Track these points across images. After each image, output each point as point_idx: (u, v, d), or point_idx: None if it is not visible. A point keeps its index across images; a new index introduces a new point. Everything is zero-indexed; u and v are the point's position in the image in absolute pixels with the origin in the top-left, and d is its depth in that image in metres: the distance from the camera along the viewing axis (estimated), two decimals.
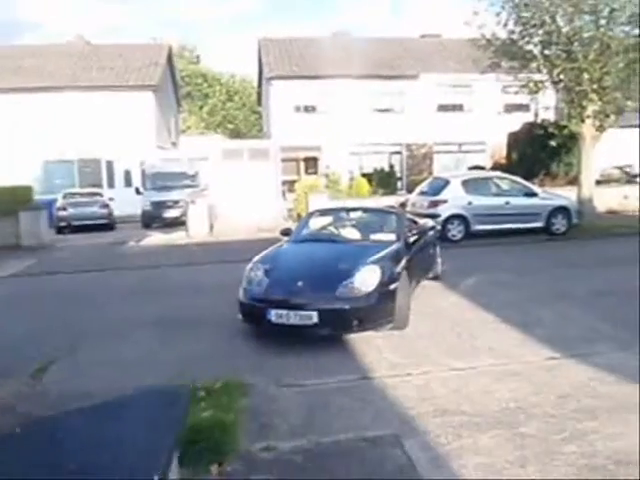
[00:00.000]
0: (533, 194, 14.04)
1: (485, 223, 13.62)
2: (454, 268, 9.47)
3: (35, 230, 15.61)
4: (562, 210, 14.02)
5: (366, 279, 6.07)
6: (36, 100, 25.39)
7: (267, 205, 18.01)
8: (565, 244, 13.12)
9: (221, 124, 50.19)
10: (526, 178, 15.48)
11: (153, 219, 20.17)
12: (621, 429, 3.87)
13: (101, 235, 18.25)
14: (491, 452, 3.63)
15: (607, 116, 14.51)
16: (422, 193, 14.91)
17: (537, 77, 15.09)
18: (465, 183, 14.07)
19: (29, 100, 25.43)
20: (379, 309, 6.04)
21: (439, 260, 9.16)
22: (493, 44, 14.85)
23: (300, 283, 6.11)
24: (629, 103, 14.55)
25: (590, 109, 14.33)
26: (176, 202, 19.49)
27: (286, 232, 8.30)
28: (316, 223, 8.47)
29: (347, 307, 5.91)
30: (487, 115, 27.24)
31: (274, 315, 5.92)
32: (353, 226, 8.06)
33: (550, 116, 20.03)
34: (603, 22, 13.70)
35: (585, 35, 13.94)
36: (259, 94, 37.51)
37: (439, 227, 10.81)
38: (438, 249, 9.23)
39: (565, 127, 15.48)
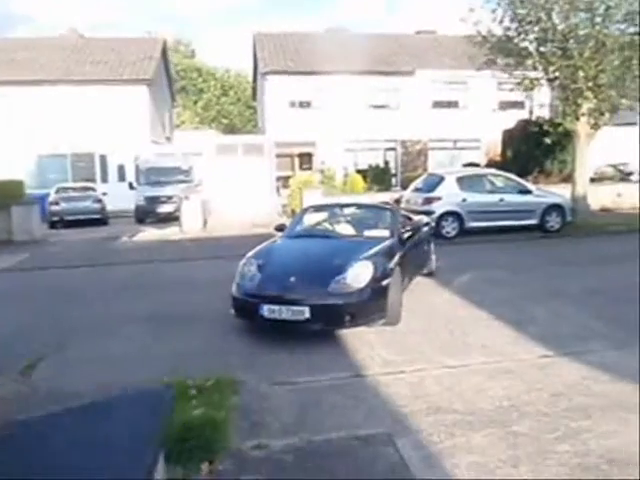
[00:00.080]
0: (527, 191, 14.05)
1: (479, 220, 13.61)
2: (448, 265, 9.46)
3: (27, 225, 15.49)
4: (556, 208, 14.03)
5: (358, 275, 6.07)
6: (29, 94, 25.21)
7: (261, 201, 17.99)
8: (559, 241, 13.13)
9: (216, 119, 50.02)
10: (520, 175, 15.48)
11: (147, 214, 20.07)
12: (615, 427, 3.86)
13: (94, 230, 18.14)
14: (484, 451, 3.61)
15: (602, 114, 14.51)
16: (416, 190, 14.89)
17: (532, 74, 15.06)
18: (460, 180, 14.05)
19: (22, 94, 25.25)
20: (371, 305, 6.03)
21: (433, 257, 9.15)
22: (489, 41, 14.81)
23: (293, 278, 6.10)
24: (624, 101, 14.55)
25: (585, 107, 14.33)
26: (170, 197, 19.38)
27: (280, 228, 8.28)
28: (310, 219, 8.46)
29: (339, 302, 5.91)
30: (482, 112, 27.24)
31: (266, 310, 5.92)
32: (347, 222, 8.07)
33: (545, 113, 20.05)
34: (599, 20, 13.67)
35: (581, 33, 13.92)
36: (254, 89, 37.41)
37: (433, 224, 10.79)
38: (432, 246, 9.21)
39: (560, 125, 15.50)
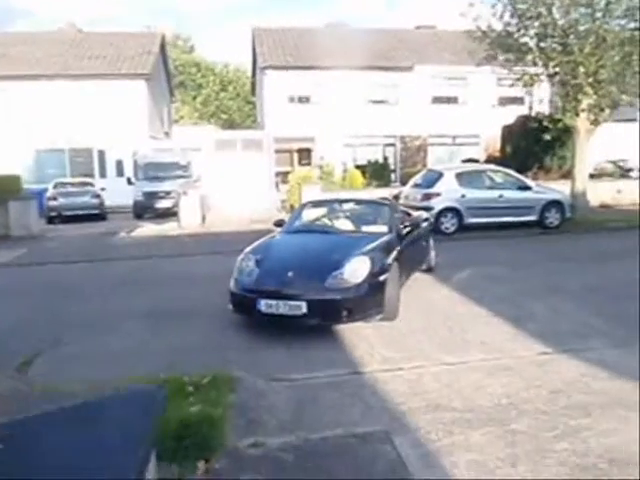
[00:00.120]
0: (527, 187, 14.01)
1: (478, 216, 13.58)
2: (447, 261, 9.43)
3: (25, 220, 15.44)
4: (555, 204, 13.99)
5: (355, 270, 6.05)
6: (27, 88, 25.10)
7: (260, 196, 17.94)
8: (558, 238, 13.11)
9: (215, 114, 49.88)
10: (520, 171, 15.46)
11: (145, 209, 20.02)
12: (615, 425, 3.83)
13: (92, 225, 18.09)
14: (482, 449, 3.58)
15: (602, 110, 14.47)
16: (416, 185, 14.86)
17: (532, 70, 15.01)
18: (459, 176, 14.02)
19: (20, 88, 25.15)
20: (368, 300, 6.02)
21: (432, 252, 9.12)
22: (488, 36, 14.76)
23: (290, 273, 6.10)
24: (624, 97, 14.52)
25: (585, 103, 14.28)
26: (168, 193, 19.33)
27: (279, 223, 8.30)
28: (309, 214, 8.44)
29: (336, 298, 5.91)
30: (482, 108, 27.17)
31: (264, 305, 5.92)
32: (346, 218, 8.05)
33: (545, 109, 20.00)
34: (599, 15, 13.62)
35: (581, 28, 13.87)
36: (253, 84, 37.29)
37: (432, 220, 10.77)
38: (431, 241, 9.18)
39: (559, 120, 15.44)
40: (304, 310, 5.78)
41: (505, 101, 27.17)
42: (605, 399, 4.25)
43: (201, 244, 13.28)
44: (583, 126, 14.67)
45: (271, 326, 6.10)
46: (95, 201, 20.43)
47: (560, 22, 13.84)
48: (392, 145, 28.37)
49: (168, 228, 16.29)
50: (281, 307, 5.84)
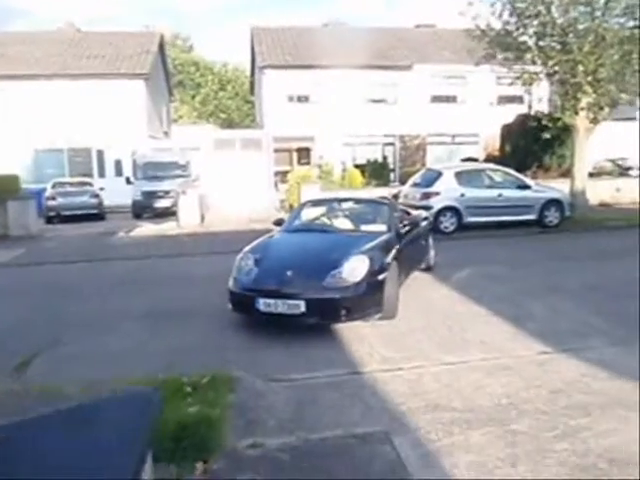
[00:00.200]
0: (526, 186, 13.99)
1: (478, 215, 13.57)
2: (446, 260, 9.42)
3: (23, 220, 15.40)
4: (555, 203, 13.98)
5: (354, 269, 6.05)
6: (26, 88, 25.05)
7: (259, 196, 17.95)
8: (558, 237, 13.10)
9: (213, 113, 49.88)
10: (519, 170, 15.45)
11: (144, 209, 19.98)
12: (615, 426, 3.81)
13: (91, 225, 18.05)
14: (482, 450, 3.56)
15: (601, 108, 14.47)
16: (415, 185, 14.84)
17: (531, 69, 15.01)
18: (458, 175, 14.00)
19: (18, 88, 25.10)
20: (367, 299, 6.02)
21: (432, 252, 9.11)
22: (488, 35, 14.75)
23: (289, 272, 6.09)
24: (623, 96, 14.52)
25: (584, 101, 14.28)
26: (167, 192, 19.31)
27: (279, 222, 8.31)
28: (308, 213, 8.44)
29: (335, 297, 5.90)
30: (481, 107, 27.17)
31: (262, 304, 5.92)
32: (345, 217, 8.04)
33: (544, 108, 19.95)
34: (598, 13, 13.62)
35: (580, 27, 13.87)
36: (252, 83, 37.26)
37: (432, 219, 10.76)
38: (431, 240, 9.17)
39: (559, 119, 15.43)
40: (303, 309, 5.78)
41: (504, 100, 27.16)
42: (605, 399, 4.24)
43: (200, 244, 13.26)
44: (582, 125, 14.67)
45: (270, 325, 6.09)
46: (94, 201, 20.39)
47: (559, 21, 13.84)
48: (391, 144, 28.36)
49: (167, 228, 16.27)
50: (280, 306, 5.85)
